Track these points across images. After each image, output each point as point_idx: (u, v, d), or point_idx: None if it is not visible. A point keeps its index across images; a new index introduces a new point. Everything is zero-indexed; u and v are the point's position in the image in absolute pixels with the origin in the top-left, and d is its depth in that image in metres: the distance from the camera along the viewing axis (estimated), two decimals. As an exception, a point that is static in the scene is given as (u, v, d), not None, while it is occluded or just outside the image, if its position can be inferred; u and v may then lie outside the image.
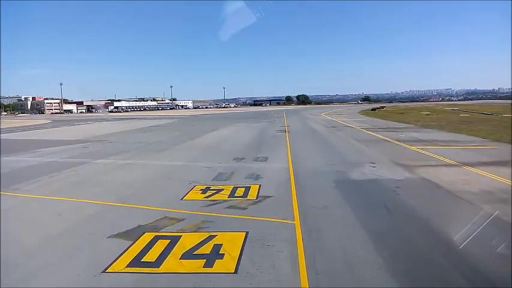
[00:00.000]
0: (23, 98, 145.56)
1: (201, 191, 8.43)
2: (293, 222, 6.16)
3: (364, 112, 58.54)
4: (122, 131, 28.07)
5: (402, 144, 16.51)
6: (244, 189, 8.55)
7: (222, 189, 8.54)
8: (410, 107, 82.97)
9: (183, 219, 6.35)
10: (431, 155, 13.26)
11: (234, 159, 13.09)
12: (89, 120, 52.88)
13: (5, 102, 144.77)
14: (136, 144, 18.58)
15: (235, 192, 8.27)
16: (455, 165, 11.20)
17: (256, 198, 7.69)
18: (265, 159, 13.02)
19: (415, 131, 22.98)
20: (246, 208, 7.00)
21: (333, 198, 7.68)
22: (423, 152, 14.05)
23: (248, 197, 7.81)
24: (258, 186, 8.81)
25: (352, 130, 25.01)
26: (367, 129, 25.35)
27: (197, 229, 5.90)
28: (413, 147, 15.25)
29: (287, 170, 10.90)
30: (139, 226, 6.05)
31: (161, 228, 5.94)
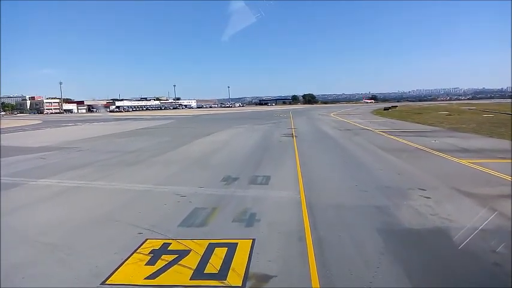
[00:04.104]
0: (27, 97, 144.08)
1: (149, 257, 4.81)
2: None
3: (377, 112, 54.51)
4: (105, 135, 24.62)
5: (444, 155, 12.72)
6: (226, 250, 4.95)
7: (187, 252, 4.93)
8: (424, 107, 78.57)
9: None
10: (498, 174, 9.49)
11: (223, 180, 9.47)
12: (82, 121, 49.72)
13: (9, 101, 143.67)
14: (108, 153, 15.05)
15: (208, 260, 4.66)
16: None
17: (243, 285, 4.04)
18: (267, 180, 9.36)
19: (449, 136, 19.08)
20: (218, 323, 3.36)
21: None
22: (481, 168, 10.27)
23: (228, 279, 4.16)
24: (251, 242, 5.19)
25: (371, 134, 21.18)
26: (388, 133, 21.50)
27: None
28: (463, 161, 11.46)
29: (298, 202, 7.24)
30: None
31: None
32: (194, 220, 6.26)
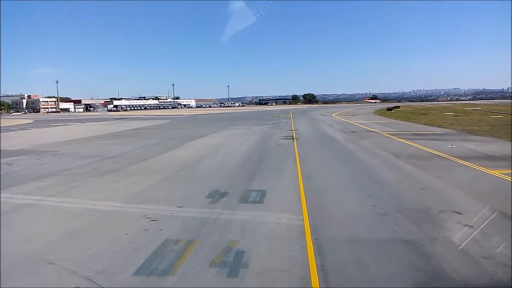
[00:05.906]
0: (25, 96, 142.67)
1: None
2: None
3: (380, 112, 52.76)
4: (89, 137, 22.88)
5: (468, 163, 11.02)
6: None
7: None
8: (427, 107, 76.83)
9: None
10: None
11: (208, 195, 7.77)
12: (75, 120, 48.02)
13: (7, 100, 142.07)
14: (85, 159, 13.33)
15: None
16: None
17: None
18: (262, 196, 7.65)
19: (464, 140, 17.34)
20: None
21: None
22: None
23: None
24: (232, 309, 3.48)
25: (379, 137, 19.43)
26: (397, 135, 19.76)
27: None
28: (495, 172, 9.75)
29: (301, 232, 5.55)
30: None
31: None
32: (158, 263, 4.55)
